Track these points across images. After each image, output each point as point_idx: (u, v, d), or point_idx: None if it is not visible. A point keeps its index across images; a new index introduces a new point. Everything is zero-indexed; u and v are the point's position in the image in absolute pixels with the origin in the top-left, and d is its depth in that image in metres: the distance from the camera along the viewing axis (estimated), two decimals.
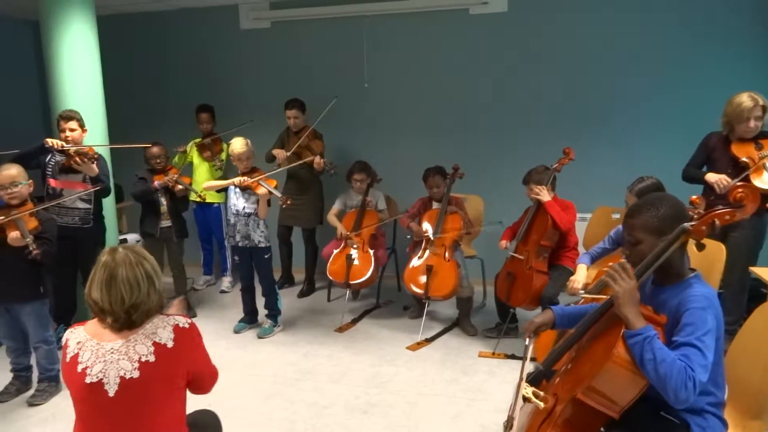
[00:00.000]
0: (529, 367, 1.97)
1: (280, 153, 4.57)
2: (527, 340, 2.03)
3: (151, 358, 1.64)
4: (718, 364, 1.68)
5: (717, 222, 1.64)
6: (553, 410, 1.78)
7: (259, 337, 4.03)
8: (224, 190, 4.07)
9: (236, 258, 4.10)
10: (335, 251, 4.37)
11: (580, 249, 3.73)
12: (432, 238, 4.03)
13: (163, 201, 4.25)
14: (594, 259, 3.19)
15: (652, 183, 2.95)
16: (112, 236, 4.16)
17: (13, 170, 3.05)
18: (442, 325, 4.19)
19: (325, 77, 5.17)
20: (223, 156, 4.89)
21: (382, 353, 3.74)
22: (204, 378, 1.84)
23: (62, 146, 3.53)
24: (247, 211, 3.90)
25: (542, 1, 4.61)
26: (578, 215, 3.77)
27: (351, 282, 4.17)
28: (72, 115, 3.64)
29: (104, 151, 3.97)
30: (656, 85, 4.48)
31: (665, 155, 3.77)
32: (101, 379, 1.61)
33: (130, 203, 5.02)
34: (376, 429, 2.87)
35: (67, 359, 1.66)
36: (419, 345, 3.85)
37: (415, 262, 4.07)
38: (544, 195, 3.58)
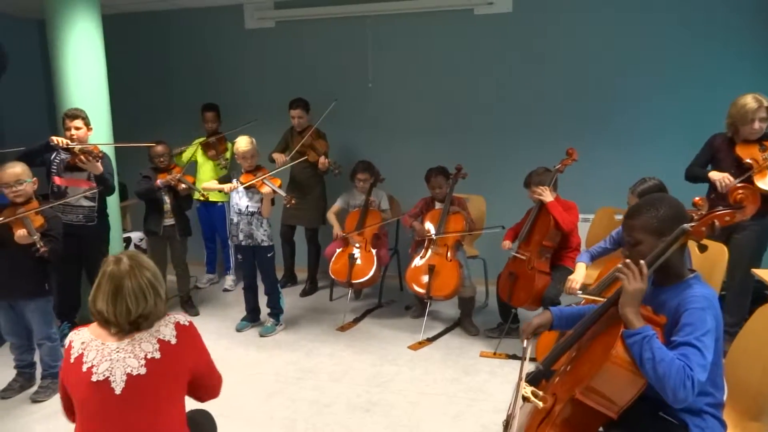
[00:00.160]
0: (530, 367, 1.98)
1: (279, 157, 4.58)
2: (525, 342, 2.03)
3: (157, 355, 1.66)
4: (717, 365, 1.68)
5: (717, 223, 1.64)
6: (551, 410, 1.79)
7: (261, 336, 4.04)
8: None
9: (239, 257, 4.11)
10: (338, 250, 4.38)
11: (583, 250, 3.73)
12: (434, 238, 4.04)
13: (167, 199, 4.27)
14: (594, 258, 3.19)
15: (654, 184, 2.95)
16: (116, 234, 4.18)
17: (18, 168, 3.07)
18: (444, 324, 4.20)
19: (329, 77, 5.18)
20: (228, 155, 4.91)
21: (384, 352, 3.75)
22: (208, 378, 1.85)
23: (67, 144, 3.56)
24: (250, 209, 3.91)
25: (547, 2, 4.61)
26: (581, 216, 3.77)
27: (353, 281, 4.18)
28: (77, 114, 3.67)
29: (109, 150, 3.99)
30: (659, 86, 4.47)
31: (668, 156, 3.76)
32: (108, 377, 1.63)
33: (134, 201, 5.04)
34: (377, 428, 2.87)
35: (72, 360, 1.67)
36: (421, 344, 3.86)
37: (417, 261, 4.08)
38: (547, 195, 3.58)
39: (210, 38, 5.45)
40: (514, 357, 3.60)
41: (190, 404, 1.88)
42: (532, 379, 2.02)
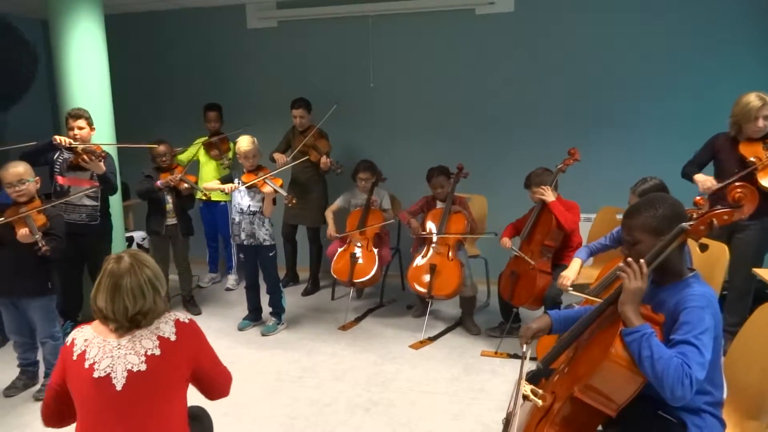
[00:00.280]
0: (531, 365, 1.99)
1: (280, 158, 4.59)
2: (524, 346, 2.03)
3: (157, 352, 1.68)
4: (715, 364, 1.68)
5: (715, 222, 1.64)
6: (550, 408, 1.79)
7: (263, 335, 4.05)
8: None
9: (241, 256, 4.12)
10: (339, 250, 4.39)
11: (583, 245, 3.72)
12: (435, 238, 4.05)
13: (169, 199, 4.29)
14: (593, 253, 3.19)
15: (655, 184, 2.94)
16: (118, 234, 4.20)
17: (20, 168, 3.08)
18: (446, 324, 4.20)
19: (331, 77, 5.19)
20: (231, 154, 4.92)
21: (385, 351, 3.75)
22: (214, 375, 1.86)
23: (70, 143, 3.57)
24: (252, 209, 3.92)
25: (549, 1, 4.61)
26: (582, 215, 3.77)
27: (355, 281, 4.19)
28: (81, 114, 3.68)
29: (111, 149, 4.00)
30: (661, 86, 4.46)
31: (670, 156, 3.76)
32: (109, 373, 1.64)
33: (136, 201, 5.05)
34: (378, 427, 2.88)
35: (74, 357, 1.68)
36: (422, 344, 3.86)
37: (419, 261, 4.08)
38: (549, 195, 3.58)
39: (212, 38, 5.47)
40: (515, 356, 3.61)
41: (190, 400, 1.89)
42: (532, 378, 2.03)
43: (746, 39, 4.25)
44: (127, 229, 4.89)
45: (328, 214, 4.57)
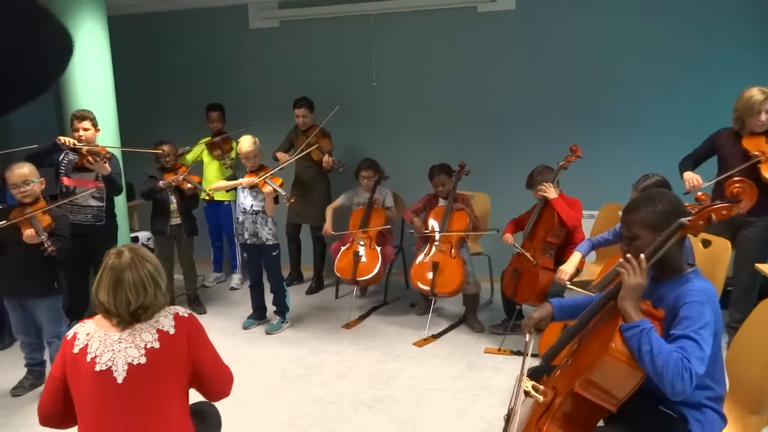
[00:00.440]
0: (533, 362, 2.00)
1: (282, 156, 4.61)
2: (527, 336, 2.05)
3: (156, 345, 1.71)
4: (716, 359, 1.69)
5: (714, 217, 1.65)
6: (551, 403, 1.80)
7: (268, 333, 4.07)
8: (233, 188, 4.12)
9: (245, 255, 4.14)
10: (342, 248, 4.41)
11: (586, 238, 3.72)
12: (438, 236, 4.06)
13: (173, 199, 4.31)
14: (594, 247, 3.21)
15: (657, 180, 2.95)
16: (124, 234, 4.23)
17: (25, 169, 3.11)
18: (449, 321, 4.21)
19: (334, 76, 5.20)
20: (233, 154, 4.94)
21: (389, 349, 3.77)
22: (213, 372, 1.85)
23: (74, 144, 3.60)
24: (255, 208, 3.95)
25: None
26: (585, 212, 3.77)
27: (358, 279, 4.20)
28: (86, 115, 3.71)
29: (115, 150, 4.04)
30: (663, 82, 4.45)
31: (672, 152, 3.75)
32: (110, 366, 1.67)
33: (141, 201, 5.08)
34: (381, 424, 2.89)
35: (75, 350, 1.71)
36: (425, 341, 3.87)
37: (422, 259, 4.09)
38: (551, 192, 3.58)
39: (215, 38, 5.49)
40: (518, 353, 3.61)
41: (198, 396, 1.90)
42: (534, 374, 2.04)
43: (746, 39, 4.23)
44: (132, 230, 4.92)
45: (329, 211, 4.59)
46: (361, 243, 4.34)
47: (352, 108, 4.98)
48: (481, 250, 4.55)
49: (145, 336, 1.71)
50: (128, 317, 1.72)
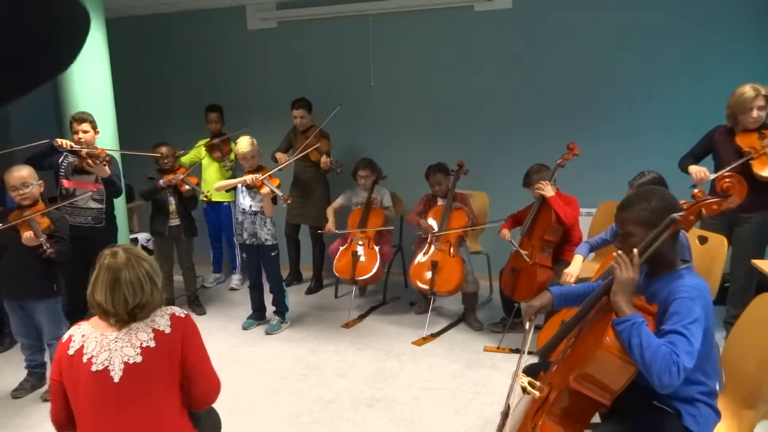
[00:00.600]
0: (531, 359, 2.01)
1: (281, 157, 4.63)
2: (527, 324, 2.06)
3: (152, 344, 1.71)
4: (707, 354, 1.70)
5: (704, 211, 1.66)
6: (547, 398, 1.81)
7: (267, 333, 4.08)
8: (234, 188, 4.13)
9: (244, 255, 4.16)
10: (341, 248, 4.42)
11: (583, 241, 3.74)
12: (436, 235, 4.07)
13: (172, 200, 4.33)
14: (593, 249, 3.22)
15: (652, 178, 2.95)
16: (123, 236, 4.24)
17: (24, 171, 3.12)
18: (448, 320, 4.22)
19: (332, 76, 5.22)
20: (233, 156, 4.94)
21: (388, 348, 3.78)
22: (202, 374, 1.82)
23: (71, 146, 3.61)
24: (253, 209, 3.96)
25: None
26: (583, 210, 3.78)
27: (357, 278, 4.22)
28: (85, 117, 3.71)
29: (115, 152, 4.04)
30: (660, 80, 4.46)
31: (669, 149, 3.76)
32: (107, 366, 1.68)
33: (140, 203, 5.10)
34: (380, 422, 2.91)
35: (72, 352, 1.71)
36: (425, 340, 3.88)
37: (421, 258, 4.11)
38: (548, 190, 3.59)
39: (213, 40, 5.50)
40: (517, 351, 3.62)
41: None
42: (530, 370, 2.05)
43: (746, 39, 4.24)
44: (131, 231, 4.94)
45: (329, 211, 4.60)
46: (360, 243, 4.35)
47: (351, 108, 4.99)
48: (480, 249, 4.56)
49: (141, 335, 1.72)
50: (126, 316, 1.73)
